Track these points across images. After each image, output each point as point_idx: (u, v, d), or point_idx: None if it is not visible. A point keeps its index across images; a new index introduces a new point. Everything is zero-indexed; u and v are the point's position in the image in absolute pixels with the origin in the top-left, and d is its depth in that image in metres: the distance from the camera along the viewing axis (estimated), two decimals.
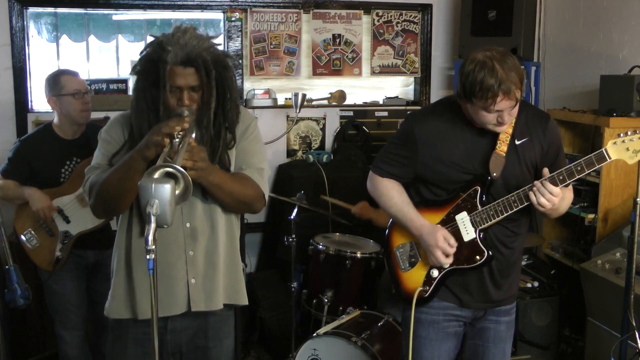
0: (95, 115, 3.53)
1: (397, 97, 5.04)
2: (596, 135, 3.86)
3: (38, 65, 4.41)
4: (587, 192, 3.82)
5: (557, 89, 4.61)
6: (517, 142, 2.22)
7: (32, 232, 3.18)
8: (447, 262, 2.26)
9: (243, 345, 3.94)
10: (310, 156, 4.61)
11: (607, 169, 3.63)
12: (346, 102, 4.88)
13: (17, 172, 3.17)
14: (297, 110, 4.43)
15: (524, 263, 4.24)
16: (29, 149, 3.18)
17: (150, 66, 2.02)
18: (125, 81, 4.48)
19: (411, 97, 5.14)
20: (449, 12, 4.99)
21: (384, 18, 4.91)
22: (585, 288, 3.39)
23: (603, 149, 2.09)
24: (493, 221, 2.22)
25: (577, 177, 2.11)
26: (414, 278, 2.38)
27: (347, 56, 4.88)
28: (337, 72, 4.88)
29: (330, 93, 4.86)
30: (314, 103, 4.78)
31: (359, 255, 3.56)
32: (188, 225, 2.12)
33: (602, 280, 3.21)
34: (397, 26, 4.94)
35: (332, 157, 4.66)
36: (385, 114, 4.93)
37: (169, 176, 1.78)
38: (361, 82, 5.00)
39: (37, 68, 4.40)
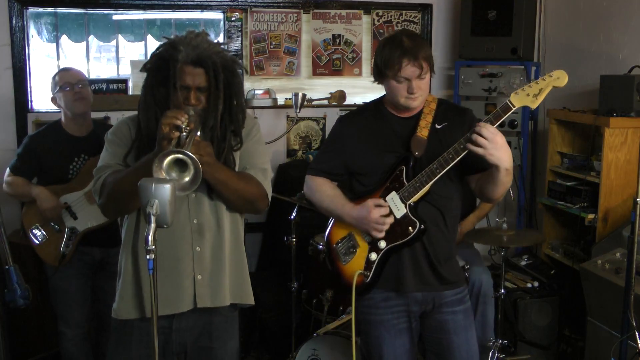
0: (95, 115, 3.54)
1: None
2: (596, 135, 3.86)
3: (38, 65, 4.42)
4: (587, 192, 3.82)
5: (557, 89, 4.59)
6: (437, 126, 2.36)
7: (40, 227, 3.21)
8: (386, 223, 2.31)
9: (243, 346, 3.94)
10: (310, 156, 4.61)
11: (607, 169, 3.63)
12: (346, 102, 4.88)
13: (26, 168, 3.22)
14: (297, 110, 4.43)
15: (523, 263, 4.25)
16: (37, 145, 3.22)
17: (161, 64, 2.07)
18: (125, 81, 4.48)
19: None
20: (449, 12, 4.99)
21: (384, 18, 4.92)
22: (585, 288, 3.39)
23: (507, 100, 2.19)
24: (421, 191, 2.29)
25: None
26: (354, 267, 2.43)
27: (347, 56, 4.88)
28: (337, 72, 4.88)
29: (330, 93, 4.86)
30: (314, 103, 4.78)
31: None
32: (195, 221, 2.14)
33: (602, 280, 3.21)
34: (397, 26, 4.94)
35: None
36: None
37: (178, 164, 1.81)
38: (361, 82, 5.00)
39: (37, 68, 4.40)
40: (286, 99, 4.76)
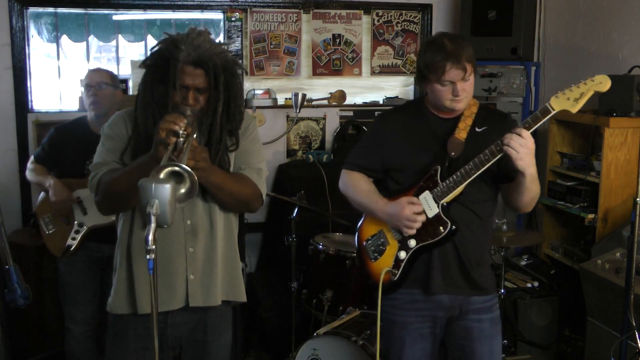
0: None
1: (397, 97, 5.04)
2: (596, 135, 3.86)
3: (38, 65, 4.42)
4: (587, 192, 3.82)
5: (557, 89, 4.57)
6: (477, 130, 2.35)
7: (51, 217, 3.24)
8: (418, 220, 2.29)
9: (243, 345, 3.94)
10: (310, 156, 4.61)
11: (607, 169, 3.63)
12: (346, 102, 4.88)
13: (46, 158, 3.27)
14: (297, 110, 4.43)
15: (523, 263, 4.25)
16: (60, 137, 3.26)
17: (161, 62, 2.06)
18: (125, 81, 4.47)
19: (411, 97, 5.13)
20: (449, 12, 4.99)
21: (384, 18, 4.92)
22: (585, 288, 3.39)
23: (547, 104, 2.19)
24: (454, 192, 2.28)
25: (529, 131, 2.16)
26: (382, 265, 2.42)
27: (347, 56, 4.88)
28: (337, 72, 4.88)
29: (330, 93, 4.86)
30: (314, 103, 4.78)
31: None
32: (189, 222, 2.15)
33: (602, 280, 3.21)
34: (397, 26, 4.94)
35: (332, 157, 4.66)
36: None
37: (174, 175, 1.80)
38: (361, 82, 5.00)
39: (37, 68, 4.40)
40: (286, 99, 4.76)
